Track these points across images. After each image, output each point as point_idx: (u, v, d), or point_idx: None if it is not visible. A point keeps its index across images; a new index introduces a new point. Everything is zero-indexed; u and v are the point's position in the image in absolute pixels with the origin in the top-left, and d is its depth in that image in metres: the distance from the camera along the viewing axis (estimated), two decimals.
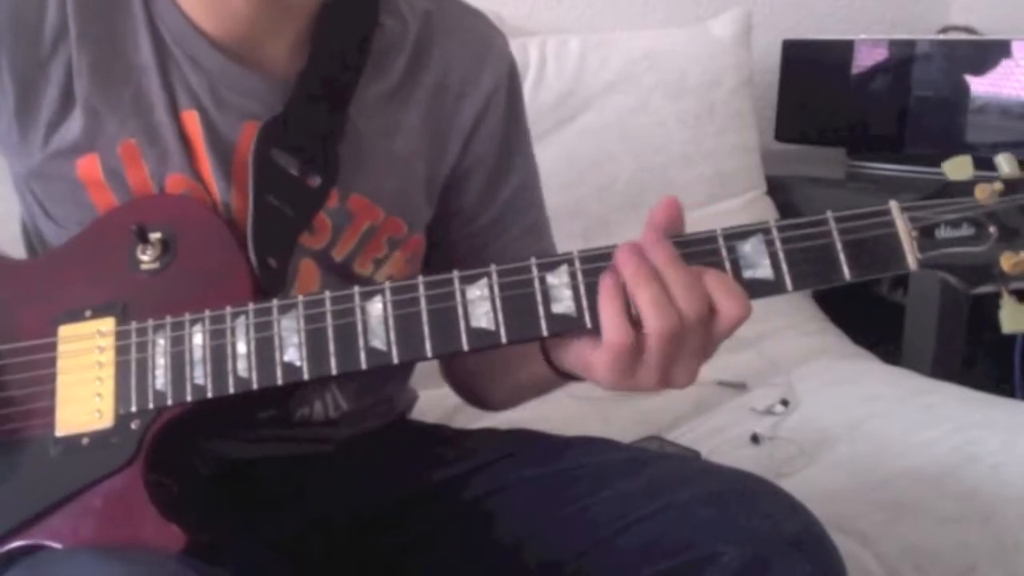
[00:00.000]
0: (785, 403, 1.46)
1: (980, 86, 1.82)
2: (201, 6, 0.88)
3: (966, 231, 0.74)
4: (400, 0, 0.97)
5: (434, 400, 1.22)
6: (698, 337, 0.73)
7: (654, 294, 0.72)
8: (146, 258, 0.83)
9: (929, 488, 1.22)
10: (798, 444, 1.33)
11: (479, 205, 1.01)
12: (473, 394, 1.07)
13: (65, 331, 0.82)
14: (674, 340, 0.72)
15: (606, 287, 0.73)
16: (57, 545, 0.77)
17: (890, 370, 1.64)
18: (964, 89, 1.83)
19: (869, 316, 1.77)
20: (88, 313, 0.82)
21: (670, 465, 0.91)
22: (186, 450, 0.83)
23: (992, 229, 0.74)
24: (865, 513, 1.18)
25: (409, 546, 0.93)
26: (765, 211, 1.84)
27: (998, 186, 0.75)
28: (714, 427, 1.44)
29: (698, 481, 0.86)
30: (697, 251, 0.75)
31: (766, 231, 0.75)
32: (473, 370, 1.04)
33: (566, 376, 0.84)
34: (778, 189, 1.89)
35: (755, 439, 1.37)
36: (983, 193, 0.74)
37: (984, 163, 0.77)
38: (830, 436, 1.36)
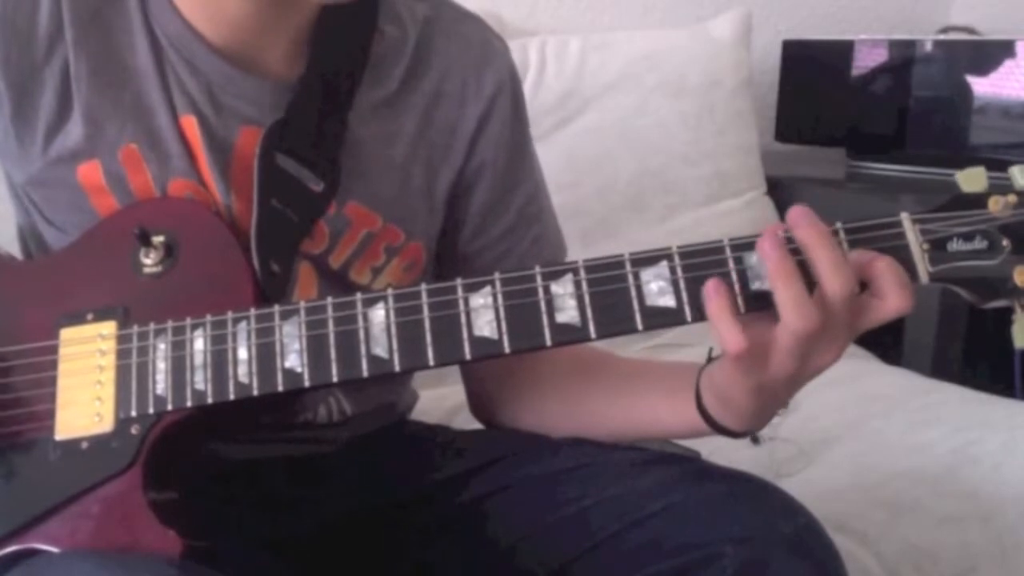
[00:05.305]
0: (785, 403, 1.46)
1: (981, 86, 1.82)
2: (199, 10, 0.88)
3: (979, 244, 0.73)
4: (400, 6, 0.96)
5: (434, 400, 1.22)
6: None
7: (833, 256, 0.71)
8: (148, 261, 0.83)
9: (929, 488, 1.22)
10: (798, 444, 1.33)
11: (492, 213, 0.99)
12: (516, 410, 1.01)
13: (66, 334, 0.82)
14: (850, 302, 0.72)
15: (783, 268, 0.71)
16: (54, 549, 0.77)
17: (890, 370, 1.64)
18: (964, 89, 1.83)
19: None
20: (90, 316, 0.82)
21: (670, 465, 0.90)
22: (186, 454, 0.83)
23: (1005, 242, 0.73)
24: (865, 513, 1.18)
25: (409, 547, 0.93)
26: (765, 211, 1.84)
27: (1012, 198, 0.73)
28: None
29: (698, 481, 0.86)
30: (702, 261, 0.74)
31: None
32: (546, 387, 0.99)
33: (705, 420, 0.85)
34: (778, 189, 1.88)
35: (755, 439, 1.36)
36: (996, 205, 0.73)
37: (987, 165, 0.76)
38: (830, 436, 1.35)
